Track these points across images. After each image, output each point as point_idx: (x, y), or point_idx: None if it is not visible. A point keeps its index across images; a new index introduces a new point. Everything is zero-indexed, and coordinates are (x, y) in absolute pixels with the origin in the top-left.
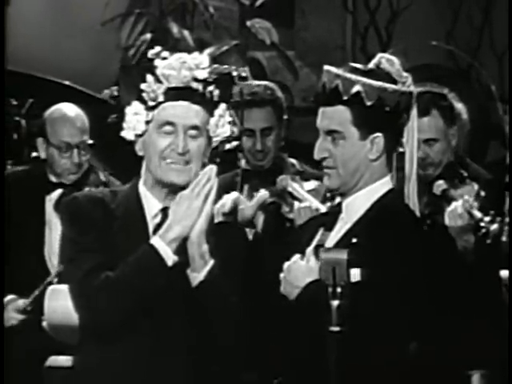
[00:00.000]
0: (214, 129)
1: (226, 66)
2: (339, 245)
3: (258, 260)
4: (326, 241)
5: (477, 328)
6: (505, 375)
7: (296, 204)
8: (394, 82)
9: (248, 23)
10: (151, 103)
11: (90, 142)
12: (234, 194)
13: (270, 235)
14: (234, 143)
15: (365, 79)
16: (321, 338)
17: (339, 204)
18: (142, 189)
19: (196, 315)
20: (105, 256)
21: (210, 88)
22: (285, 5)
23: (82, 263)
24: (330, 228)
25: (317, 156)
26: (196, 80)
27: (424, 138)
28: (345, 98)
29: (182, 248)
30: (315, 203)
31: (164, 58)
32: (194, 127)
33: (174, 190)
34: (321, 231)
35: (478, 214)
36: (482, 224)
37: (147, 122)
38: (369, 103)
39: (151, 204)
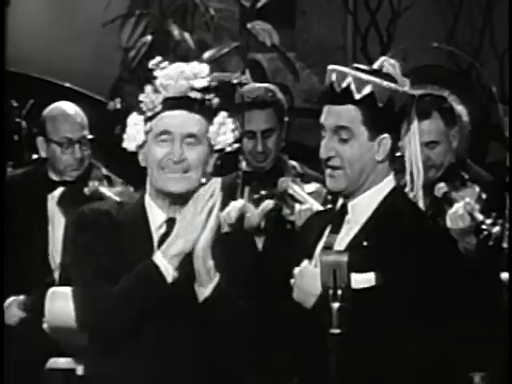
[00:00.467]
0: (215, 137)
1: (226, 74)
2: (350, 248)
3: (268, 268)
4: (333, 243)
5: (479, 330)
6: (505, 377)
7: (297, 206)
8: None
9: (249, 25)
10: (149, 113)
11: (90, 136)
12: (240, 202)
13: (274, 239)
14: (235, 146)
15: (377, 80)
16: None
17: (344, 205)
18: (148, 199)
19: (201, 330)
20: (110, 259)
21: (209, 96)
22: (285, 6)
23: (87, 266)
24: (336, 230)
25: (324, 155)
26: (194, 89)
27: (425, 141)
28: (357, 97)
29: (189, 262)
30: (316, 205)
31: (163, 68)
32: (191, 135)
33: (175, 199)
34: (326, 233)
35: (480, 216)
36: (484, 226)
37: (146, 133)
38: (380, 104)
39: (155, 214)
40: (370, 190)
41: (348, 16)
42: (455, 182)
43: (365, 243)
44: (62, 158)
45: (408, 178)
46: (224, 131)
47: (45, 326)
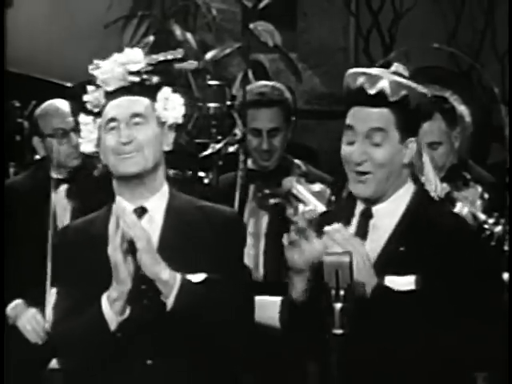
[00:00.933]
0: (163, 112)
1: (160, 53)
2: (385, 254)
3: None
4: None
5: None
6: (505, 376)
7: (300, 207)
8: None
9: (251, 25)
10: (96, 110)
11: None
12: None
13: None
14: (237, 146)
15: (412, 83)
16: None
17: (368, 210)
18: (118, 198)
19: (172, 342)
20: (81, 294)
21: (147, 76)
22: (287, 7)
23: (61, 300)
24: (362, 236)
25: (357, 159)
26: (131, 73)
27: (427, 142)
28: (391, 100)
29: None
30: (320, 207)
31: (99, 67)
32: (136, 115)
33: (136, 183)
34: None
35: (482, 216)
36: (486, 226)
37: (98, 129)
38: (412, 107)
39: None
40: (394, 194)
41: (350, 17)
42: (457, 183)
43: (402, 248)
44: (59, 149)
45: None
46: (172, 106)
47: (47, 326)
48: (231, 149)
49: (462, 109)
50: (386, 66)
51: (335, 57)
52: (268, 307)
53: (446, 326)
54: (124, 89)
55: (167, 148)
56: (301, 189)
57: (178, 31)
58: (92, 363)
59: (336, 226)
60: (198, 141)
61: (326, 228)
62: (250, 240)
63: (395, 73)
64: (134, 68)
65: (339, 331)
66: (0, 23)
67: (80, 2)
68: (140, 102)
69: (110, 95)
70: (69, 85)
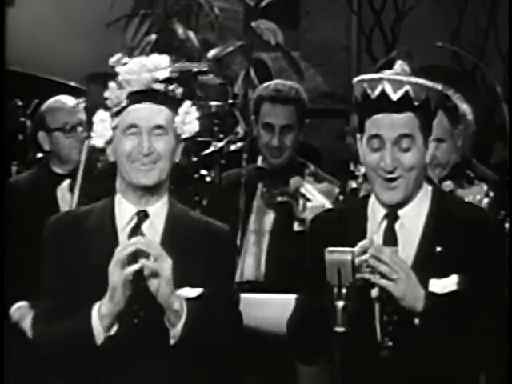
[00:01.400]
0: (181, 126)
1: (186, 64)
2: (420, 257)
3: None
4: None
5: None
6: (505, 376)
7: (309, 204)
8: None
9: (253, 24)
10: (115, 109)
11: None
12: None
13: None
14: (239, 144)
15: (430, 84)
16: None
17: (393, 213)
18: (118, 197)
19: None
20: (63, 297)
21: (172, 87)
22: (290, 6)
23: (42, 302)
24: (391, 240)
25: (390, 166)
26: (157, 81)
27: (431, 139)
28: (416, 104)
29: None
30: (328, 205)
31: (124, 64)
32: (159, 126)
33: (146, 191)
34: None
35: None
36: None
37: (114, 128)
38: (432, 108)
39: (124, 210)
40: (417, 195)
41: (352, 16)
42: (462, 181)
43: (438, 249)
44: (65, 142)
45: None
46: (189, 120)
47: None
48: (233, 147)
49: (465, 107)
50: (389, 64)
51: (338, 55)
52: (269, 306)
53: (489, 324)
54: (147, 94)
55: (177, 160)
56: (309, 187)
57: (180, 30)
58: (72, 372)
59: (378, 245)
60: (200, 139)
61: (367, 243)
62: (252, 237)
63: (402, 72)
64: (161, 76)
65: (341, 329)
66: (1, 22)
67: (82, 1)
68: (162, 114)
69: (133, 97)
70: (72, 84)
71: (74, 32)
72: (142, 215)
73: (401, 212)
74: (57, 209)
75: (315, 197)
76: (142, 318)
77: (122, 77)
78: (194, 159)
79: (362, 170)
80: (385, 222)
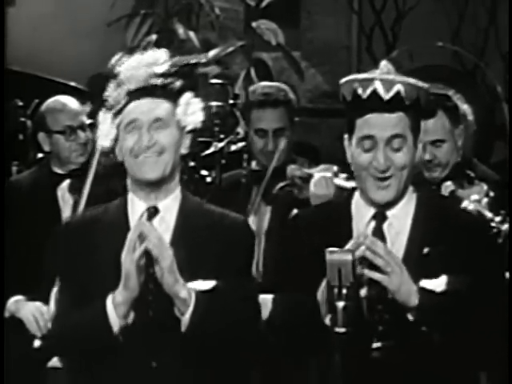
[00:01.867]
0: (183, 117)
1: (184, 57)
2: (409, 259)
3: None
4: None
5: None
6: (505, 375)
7: (315, 176)
8: None
9: (253, 24)
10: (117, 108)
11: (90, 121)
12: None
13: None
14: (240, 144)
15: (420, 83)
16: None
17: (381, 213)
18: (130, 196)
19: (189, 361)
20: (80, 298)
21: (171, 80)
22: (290, 5)
23: (60, 300)
24: (380, 239)
25: (383, 166)
26: (155, 75)
27: (431, 140)
28: (407, 103)
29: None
30: (329, 174)
31: (123, 63)
32: (158, 119)
33: (153, 186)
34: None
35: (489, 214)
36: (493, 224)
37: (118, 126)
38: (422, 107)
39: (137, 207)
40: (405, 195)
41: (353, 16)
42: (462, 181)
43: (425, 250)
44: (66, 145)
45: None
46: (192, 111)
47: (49, 324)
48: (234, 147)
49: (465, 107)
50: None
51: (338, 55)
52: (267, 306)
53: (477, 324)
54: (147, 90)
55: (184, 151)
56: (306, 169)
57: (180, 30)
58: (91, 362)
59: (372, 238)
60: (200, 139)
61: (361, 237)
62: None
63: (389, 72)
64: (159, 70)
65: (342, 330)
66: (1, 22)
67: (83, 1)
68: (162, 107)
69: (132, 94)
70: (73, 84)
71: (74, 32)
72: (152, 211)
73: (389, 212)
74: (57, 208)
75: (314, 173)
76: (156, 310)
77: (121, 75)
78: (194, 161)
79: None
80: (373, 223)
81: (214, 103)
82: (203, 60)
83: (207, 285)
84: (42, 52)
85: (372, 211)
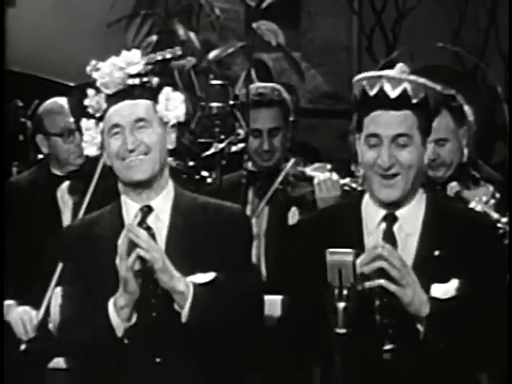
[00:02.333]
0: (165, 113)
1: (158, 53)
2: (419, 262)
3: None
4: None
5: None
6: (505, 376)
7: (316, 178)
8: None
9: (254, 25)
10: (98, 114)
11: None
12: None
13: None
14: (240, 145)
15: (429, 82)
16: None
17: (391, 215)
18: (123, 198)
19: (192, 353)
20: (85, 298)
21: (147, 78)
22: (291, 6)
23: (64, 309)
24: (390, 242)
25: (387, 163)
26: (131, 76)
27: (435, 139)
28: (414, 101)
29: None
30: (334, 176)
31: (98, 69)
32: (140, 119)
33: (143, 186)
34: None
35: (495, 215)
36: (500, 225)
37: (101, 133)
38: (431, 107)
39: (130, 209)
40: (415, 197)
41: (353, 16)
42: (467, 182)
43: (436, 253)
44: (64, 147)
45: None
46: (174, 105)
47: (50, 326)
48: (234, 148)
49: (466, 108)
50: (390, 65)
51: (339, 56)
52: (271, 306)
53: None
54: (125, 92)
55: (171, 146)
56: (300, 168)
57: (181, 30)
58: (100, 367)
59: (390, 248)
60: (201, 140)
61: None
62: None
63: (403, 72)
64: (134, 70)
65: (342, 330)
66: (1, 22)
67: (83, 1)
68: (142, 106)
69: (111, 99)
70: (72, 84)
71: (74, 32)
72: (146, 210)
73: (399, 213)
74: (57, 210)
75: (309, 173)
76: (158, 308)
77: (98, 82)
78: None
79: (362, 170)
80: (383, 224)
81: (214, 104)
82: (178, 53)
83: (206, 277)
84: (42, 52)
85: (382, 213)
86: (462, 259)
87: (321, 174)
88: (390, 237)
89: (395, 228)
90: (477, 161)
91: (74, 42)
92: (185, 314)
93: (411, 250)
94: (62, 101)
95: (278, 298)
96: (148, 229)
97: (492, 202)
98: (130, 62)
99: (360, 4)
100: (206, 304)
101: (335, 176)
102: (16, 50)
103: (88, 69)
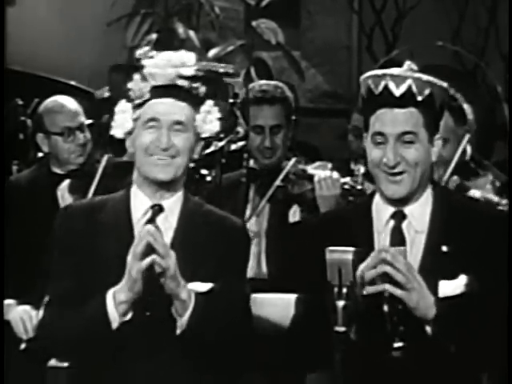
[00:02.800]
0: (202, 125)
1: (213, 64)
2: (427, 258)
3: None
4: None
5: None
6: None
7: (316, 176)
8: None
9: (254, 23)
10: (138, 101)
11: (89, 122)
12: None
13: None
14: (240, 144)
15: (435, 80)
16: None
17: (400, 212)
18: (134, 189)
19: (183, 363)
20: (74, 284)
21: (196, 85)
22: (291, 5)
23: (51, 288)
24: (399, 239)
25: (393, 161)
26: (182, 77)
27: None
28: (419, 99)
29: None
30: (335, 174)
31: (151, 57)
32: (178, 122)
33: (161, 186)
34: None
35: (495, 198)
36: (500, 207)
37: (134, 120)
38: (437, 104)
39: (141, 203)
40: (423, 195)
41: (353, 15)
42: (467, 174)
43: (444, 249)
44: (64, 147)
45: None
46: (210, 119)
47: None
48: (234, 147)
49: (466, 107)
50: (389, 64)
51: (338, 55)
52: (276, 305)
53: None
54: (171, 90)
55: (196, 157)
56: (301, 166)
57: (180, 29)
58: (89, 357)
59: (394, 252)
60: None
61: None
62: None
63: (410, 70)
64: (186, 73)
65: (342, 329)
66: (2, 21)
67: (83, 0)
68: (184, 110)
69: (156, 91)
70: (73, 83)
71: (74, 31)
72: (157, 209)
73: (407, 211)
74: (57, 208)
75: (310, 171)
76: (154, 310)
77: (147, 70)
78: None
79: (362, 169)
80: (392, 222)
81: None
82: (231, 71)
83: (204, 287)
84: (42, 51)
85: (391, 210)
86: (469, 253)
87: (321, 172)
88: (398, 234)
89: (404, 225)
90: (475, 156)
91: (74, 41)
92: (182, 323)
93: (420, 247)
94: (63, 99)
95: (291, 297)
96: (157, 228)
97: (489, 187)
98: (185, 62)
99: (360, 3)
100: (203, 316)
101: (336, 174)
102: (15, 49)
103: (138, 53)
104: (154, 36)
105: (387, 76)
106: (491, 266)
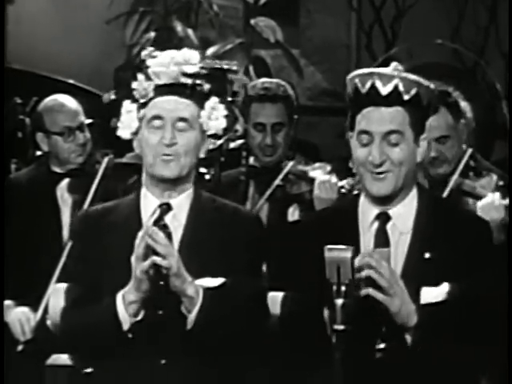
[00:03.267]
0: (207, 121)
1: (216, 61)
2: (410, 264)
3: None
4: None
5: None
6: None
7: (317, 179)
8: None
9: (252, 21)
10: (142, 100)
11: (89, 121)
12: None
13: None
14: (239, 142)
15: (421, 79)
16: None
17: (384, 214)
18: (143, 191)
19: (193, 359)
20: (89, 289)
21: (200, 82)
22: (289, 3)
23: (69, 293)
24: (383, 241)
25: (378, 160)
26: (185, 75)
27: (435, 136)
28: (406, 98)
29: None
30: (333, 178)
31: (154, 57)
32: (183, 119)
33: (168, 185)
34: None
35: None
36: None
37: (140, 119)
38: (424, 104)
39: (149, 203)
40: (407, 196)
41: (352, 13)
42: (469, 174)
43: (427, 255)
44: (64, 146)
45: None
46: (216, 116)
47: (48, 322)
48: (232, 145)
49: (464, 104)
50: (388, 62)
51: (337, 53)
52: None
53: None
54: (175, 87)
55: (202, 155)
56: (301, 167)
57: (179, 27)
58: (100, 359)
59: (378, 257)
60: None
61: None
62: None
63: (397, 70)
64: (190, 70)
65: (340, 327)
66: (1, 20)
67: None
68: (188, 107)
69: (160, 90)
70: (71, 81)
71: (73, 29)
72: (165, 208)
73: (392, 212)
74: (56, 208)
75: (309, 172)
76: (165, 308)
77: (151, 69)
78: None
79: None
80: (376, 223)
81: None
82: (234, 68)
83: (216, 282)
84: (40, 49)
85: (375, 212)
86: (453, 261)
87: (321, 176)
88: (382, 236)
89: (388, 227)
90: (475, 154)
91: (73, 39)
92: (191, 319)
93: (404, 249)
94: (63, 99)
95: (279, 294)
96: (165, 227)
97: (496, 190)
98: (188, 60)
99: (359, 1)
100: (212, 312)
101: (334, 179)
102: (14, 47)
103: (143, 54)
104: (152, 34)
105: (374, 75)
106: (475, 273)
